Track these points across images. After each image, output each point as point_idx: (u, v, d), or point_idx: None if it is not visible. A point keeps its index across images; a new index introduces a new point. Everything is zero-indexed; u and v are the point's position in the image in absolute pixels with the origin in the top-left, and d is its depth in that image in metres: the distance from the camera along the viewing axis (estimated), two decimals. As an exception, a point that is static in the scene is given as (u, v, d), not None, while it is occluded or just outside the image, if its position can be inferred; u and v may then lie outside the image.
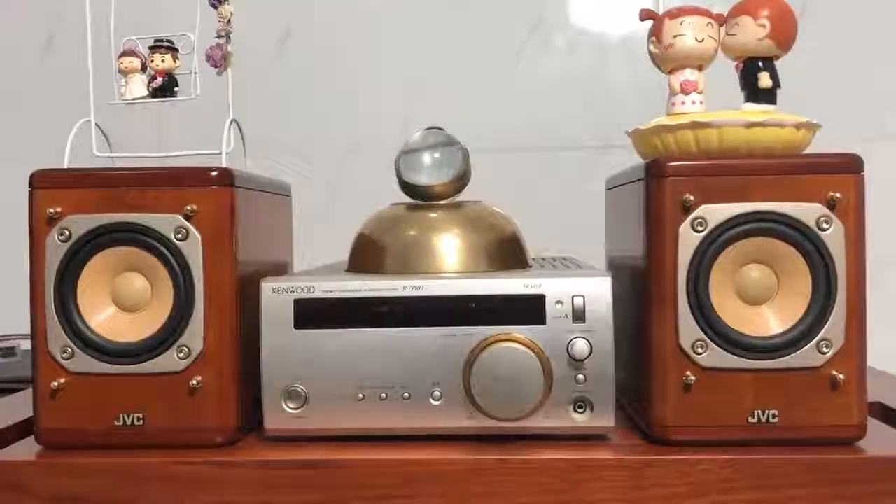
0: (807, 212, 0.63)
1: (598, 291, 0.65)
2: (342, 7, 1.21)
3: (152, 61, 0.73)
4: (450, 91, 1.19)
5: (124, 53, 0.73)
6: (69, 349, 0.66)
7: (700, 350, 0.63)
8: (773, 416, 0.63)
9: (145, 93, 0.74)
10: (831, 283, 0.63)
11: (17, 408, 0.77)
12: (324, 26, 1.21)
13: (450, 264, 0.70)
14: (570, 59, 1.20)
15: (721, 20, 0.70)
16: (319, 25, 1.21)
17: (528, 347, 0.64)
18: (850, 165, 0.64)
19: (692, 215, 0.63)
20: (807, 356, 0.63)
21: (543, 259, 0.86)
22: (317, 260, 0.90)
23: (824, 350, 0.63)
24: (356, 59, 1.21)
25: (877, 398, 0.74)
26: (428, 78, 1.20)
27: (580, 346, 0.64)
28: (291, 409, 0.66)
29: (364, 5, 1.21)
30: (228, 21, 0.73)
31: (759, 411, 0.63)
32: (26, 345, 1.09)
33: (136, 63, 0.73)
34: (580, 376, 0.64)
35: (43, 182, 0.67)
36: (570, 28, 1.20)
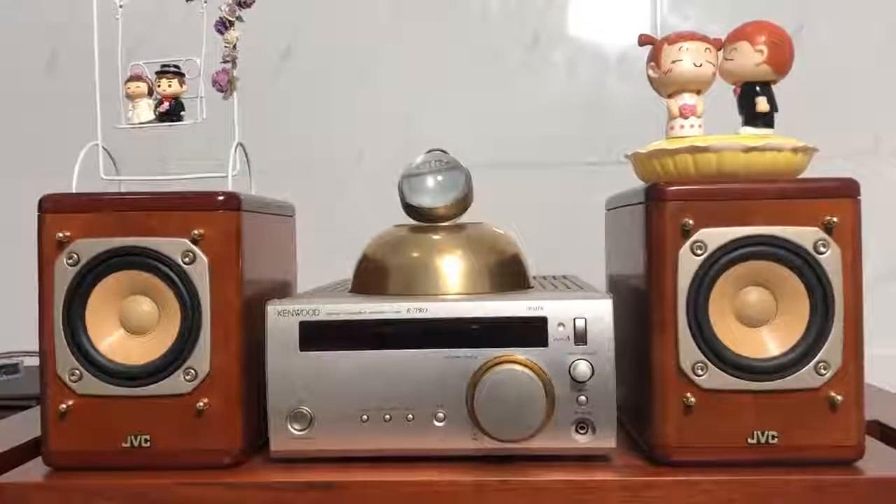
0: (804, 236, 0.64)
1: (599, 313, 0.66)
2: (341, 27, 1.22)
3: (159, 86, 0.74)
4: (450, 108, 1.20)
5: (131, 78, 0.74)
6: (77, 371, 0.67)
7: (700, 372, 0.64)
8: (773, 436, 0.64)
9: (152, 117, 0.74)
10: (829, 306, 0.64)
11: (23, 428, 0.78)
12: (323, 46, 1.22)
13: (453, 286, 0.71)
14: (570, 75, 1.21)
15: (719, 45, 0.71)
16: (319, 45, 1.22)
17: (531, 369, 0.64)
18: (847, 190, 0.65)
19: (691, 239, 0.64)
20: (805, 377, 0.64)
21: (545, 278, 0.87)
22: (319, 278, 0.90)
23: (822, 371, 0.64)
24: (355, 77, 1.22)
25: (874, 416, 0.75)
26: (428, 95, 1.21)
27: (582, 368, 0.65)
28: (296, 430, 0.67)
29: (363, 25, 1.22)
30: (234, 46, 0.74)
31: (759, 432, 0.64)
32: (29, 361, 1.10)
33: (144, 88, 0.74)
34: (582, 398, 0.65)
35: (52, 206, 0.67)
36: (569, 44, 1.21)
